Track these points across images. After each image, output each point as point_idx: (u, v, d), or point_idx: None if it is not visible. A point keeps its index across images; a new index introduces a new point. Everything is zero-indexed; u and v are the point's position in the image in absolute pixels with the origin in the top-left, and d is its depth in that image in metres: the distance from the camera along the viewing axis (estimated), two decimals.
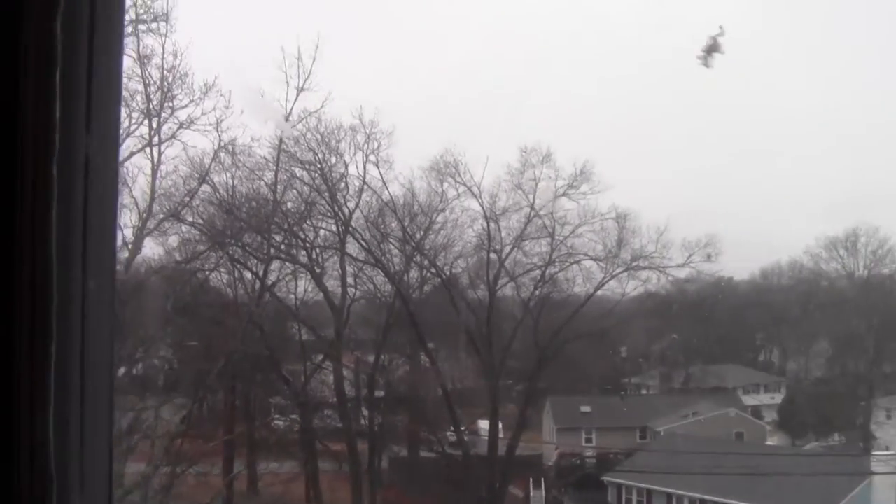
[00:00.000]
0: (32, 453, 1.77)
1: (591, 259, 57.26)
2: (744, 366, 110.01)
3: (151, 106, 35.29)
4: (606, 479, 61.30)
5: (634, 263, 56.41)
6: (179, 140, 37.09)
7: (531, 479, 63.29)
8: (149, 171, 35.81)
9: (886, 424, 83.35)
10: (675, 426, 70.41)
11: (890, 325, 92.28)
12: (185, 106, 36.34)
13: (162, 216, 38.23)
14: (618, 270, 56.88)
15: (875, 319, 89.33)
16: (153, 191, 35.98)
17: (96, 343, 1.93)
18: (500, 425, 58.24)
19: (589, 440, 74.20)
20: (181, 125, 36.42)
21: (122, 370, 36.48)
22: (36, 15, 1.79)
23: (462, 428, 57.91)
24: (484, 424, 61.06)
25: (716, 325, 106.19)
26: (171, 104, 35.93)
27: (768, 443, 74.09)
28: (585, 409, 76.08)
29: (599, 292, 59.45)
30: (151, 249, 40.67)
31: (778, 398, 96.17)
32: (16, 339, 1.75)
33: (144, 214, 35.74)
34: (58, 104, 1.78)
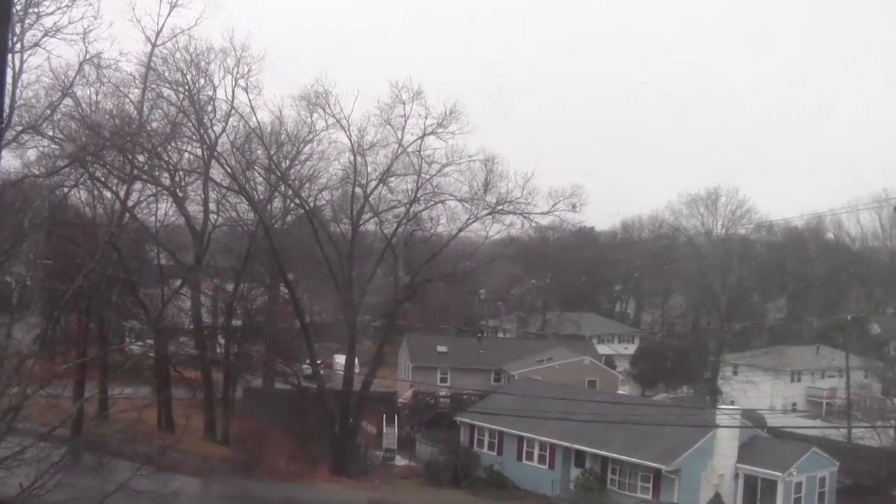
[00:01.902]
0: None
1: (457, 199, 57.15)
2: (600, 315, 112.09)
3: (15, 10, 33.80)
4: (459, 419, 61.68)
5: (499, 207, 56.39)
6: (43, 48, 35.72)
7: (384, 416, 63.47)
8: (9, 80, 34.38)
9: (732, 380, 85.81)
10: (530, 371, 71.17)
11: (743, 284, 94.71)
12: (52, 13, 34.96)
13: (21, 128, 36.81)
14: (482, 213, 56.85)
15: (730, 278, 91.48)
16: (13, 100, 34.61)
17: None
18: (357, 361, 58.14)
19: (444, 380, 74.60)
20: (46, 33, 35.05)
21: None
22: None
23: (318, 362, 57.59)
24: (340, 359, 60.94)
25: (575, 273, 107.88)
26: (36, 10, 34.49)
27: (620, 391, 75.44)
28: (442, 349, 76.45)
29: (463, 233, 59.54)
30: (8, 162, 39.37)
31: (631, 349, 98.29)
32: None
33: (3, 125, 34.38)
34: None
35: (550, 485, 54.27)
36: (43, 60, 37.23)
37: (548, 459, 56.03)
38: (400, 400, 70.96)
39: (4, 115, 34.48)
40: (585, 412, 51.66)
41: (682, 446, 50.42)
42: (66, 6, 35.13)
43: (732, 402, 70.64)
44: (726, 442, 49.71)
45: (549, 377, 67.47)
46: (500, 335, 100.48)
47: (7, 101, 34.52)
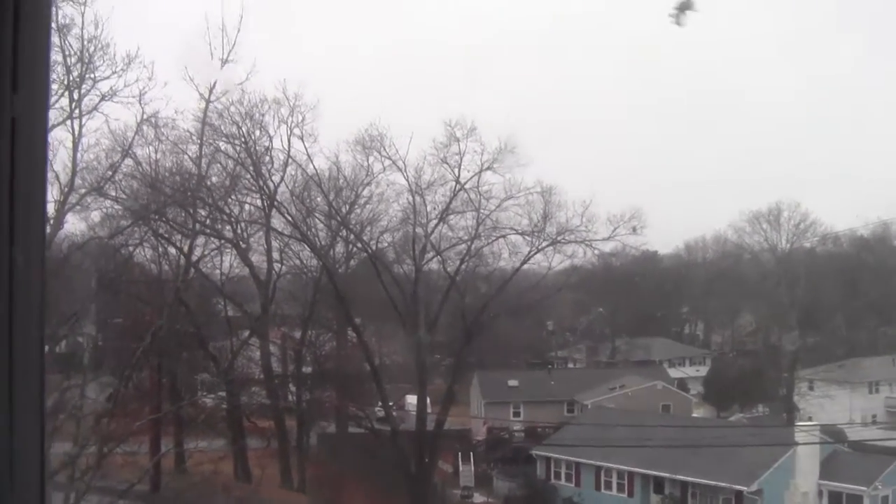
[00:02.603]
0: None
1: (517, 233, 57.30)
2: (669, 339, 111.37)
3: (72, 78, 34.66)
4: (535, 452, 61.66)
5: (560, 237, 56.49)
6: (101, 112, 36.47)
7: (460, 454, 63.54)
8: (70, 145, 35.21)
9: (809, 395, 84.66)
10: (603, 399, 71.01)
11: (811, 298, 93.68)
12: (107, 77, 35.71)
13: (84, 190, 37.59)
14: (543, 244, 56.95)
15: (797, 292, 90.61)
16: (74, 164, 35.35)
17: (25, 319, 1.79)
18: (428, 400, 58.31)
19: (517, 414, 74.61)
20: (103, 97, 35.79)
21: (45, 348, 35.85)
22: None
23: (390, 403, 57.89)
24: (412, 399, 61.14)
25: (641, 298, 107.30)
26: (92, 76, 35.29)
27: (694, 415, 74.98)
28: (513, 383, 76.47)
29: (525, 266, 59.60)
30: (74, 225, 40.16)
31: (703, 371, 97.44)
32: None
33: (66, 189, 35.15)
34: None
35: None
36: (101, 124, 38.02)
37: (626, 487, 55.84)
38: (476, 438, 70.99)
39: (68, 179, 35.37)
40: (661, 437, 51.49)
41: (761, 466, 50.03)
42: (121, 70, 35.89)
43: (810, 418, 69.86)
44: (807, 459, 49.16)
45: (621, 404, 67.28)
46: (571, 365, 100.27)
47: (69, 165, 35.36)
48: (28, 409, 1.84)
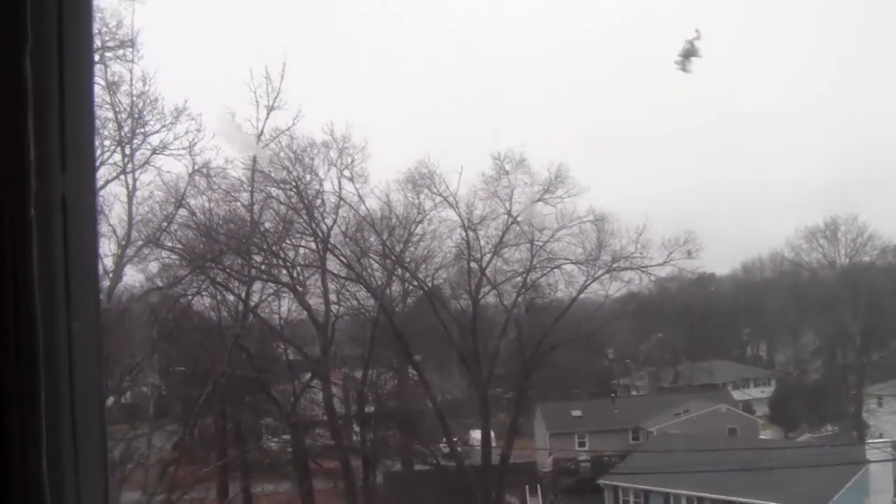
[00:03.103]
0: (27, 491, 1.76)
1: (572, 263, 57.36)
2: (732, 361, 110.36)
3: (123, 133, 35.24)
4: (602, 482, 61.30)
5: (615, 265, 56.49)
6: (153, 166, 37.02)
7: (527, 487, 63.33)
8: (125, 199, 35.77)
9: (878, 412, 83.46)
10: (668, 425, 70.54)
11: (875, 312, 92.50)
12: (157, 131, 36.30)
13: (140, 243, 38.15)
14: (599, 273, 56.97)
15: (860, 307, 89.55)
16: (130, 218, 35.89)
17: (85, 380, 1.91)
18: (493, 434, 58.28)
19: (582, 444, 74.29)
20: (154, 151, 36.37)
21: (110, 400, 36.40)
22: (4, 51, 1.76)
23: (454, 439, 57.92)
24: (476, 434, 61.12)
25: (701, 321, 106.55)
26: (142, 130, 35.89)
27: (762, 437, 74.27)
28: (576, 413, 76.18)
29: (582, 295, 59.54)
30: (132, 277, 40.60)
31: (768, 391, 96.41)
32: (5, 384, 1.73)
33: (123, 242, 35.68)
34: (31, 145, 1.75)
35: None
36: (154, 176, 38.54)
37: None
38: (542, 469, 70.71)
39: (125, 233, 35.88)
40: (729, 461, 51.02)
41: (833, 486, 49.37)
42: (170, 123, 36.46)
43: (881, 435, 68.95)
44: (881, 477, 48.57)
45: (686, 430, 66.80)
46: (633, 393, 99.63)
47: (125, 219, 35.88)
48: (91, 464, 1.95)
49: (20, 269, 1.73)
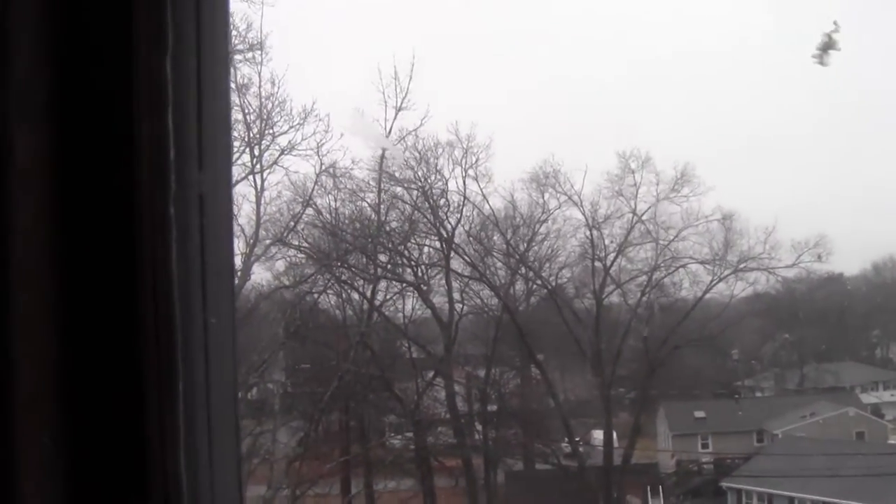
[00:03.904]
0: (166, 489, 1.80)
1: (698, 262, 56.91)
2: (861, 363, 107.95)
3: (252, 134, 35.90)
4: (725, 484, 60.52)
5: (742, 265, 55.94)
6: (281, 166, 37.61)
7: (648, 488, 62.75)
8: (253, 199, 36.42)
9: None
10: (793, 428, 69.29)
11: None
12: (285, 132, 36.91)
13: (268, 242, 38.80)
14: (726, 273, 56.47)
15: None
16: (258, 217, 36.52)
17: (220, 377, 1.95)
18: (615, 434, 57.94)
19: (705, 446, 73.38)
20: (282, 151, 36.97)
21: (238, 395, 37.02)
22: (145, 56, 1.81)
23: (576, 439, 57.69)
24: (598, 434, 60.79)
25: (829, 322, 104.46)
26: (271, 131, 36.52)
27: (891, 441, 72.50)
28: (700, 414, 75.28)
29: (707, 295, 59.00)
30: (260, 275, 41.30)
31: None
32: (145, 381, 1.78)
33: (251, 241, 36.31)
34: (171, 145, 1.80)
35: None
36: (282, 177, 39.16)
37: None
38: (665, 471, 70.06)
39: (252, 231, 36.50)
40: (857, 466, 50.05)
41: None
42: (298, 124, 37.03)
43: None
44: None
45: (812, 433, 65.52)
46: (758, 394, 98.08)
47: (253, 218, 36.51)
48: (226, 463, 1.99)
49: (159, 267, 1.78)
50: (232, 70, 33.46)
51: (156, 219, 1.79)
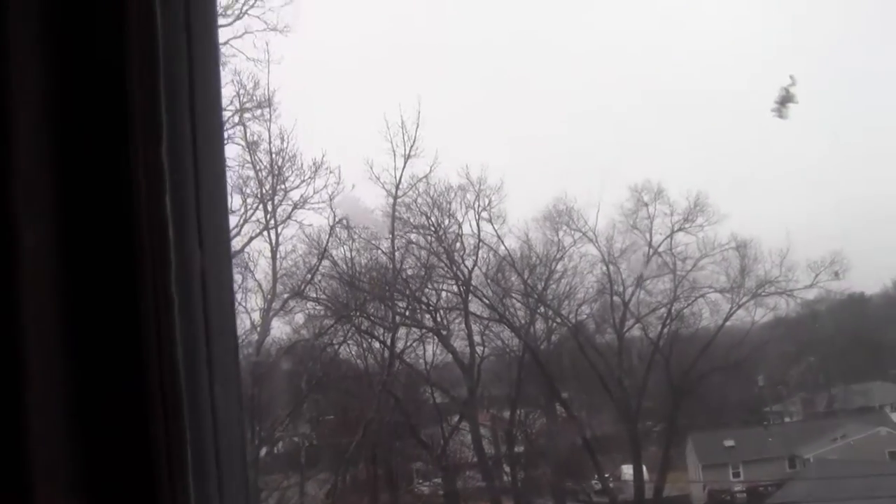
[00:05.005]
0: None
1: (716, 291, 56.95)
2: (889, 382, 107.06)
3: (264, 190, 36.25)
4: None
5: (760, 291, 56.07)
6: (295, 220, 37.92)
7: None
8: (268, 254, 36.71)
9: None
10: (825, 451, 68.81)
11: None
12: (297, 186, 37.28)
13: (286, 295, 39.03)
14: (744, 300, 56.53)
15: None
16: (275, 272, 36.88)
17: (229, 443, 2.06)
18: (644, 468, 57.72)
19: (737, 474, 72.80)
20: (295, 206, 37.32)
21: (263, 450, 37.18)
22: (142, 147, 1.93)
23: (606, 475, 57.46)
24: (627, 469, 60.52)
25: (853, 343, 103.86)
26: (283, 186, 36.93)
27: None
28: (729, 443, 74.76)
29: (728, 323, 59.01)
30: (279, 329, 41.46)
31: None
32: (155, 453, 1.88)
33: (269, 296, 36.57)
34: (170, 228, 1.92)
35: None
36: (296, 231, 39.45)
37: None
38: (697, 503, 69.60)
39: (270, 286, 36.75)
40: (893, 486, 49.71)
41: None
42: (309, 178, 37.34)
43: None
44: None
45: (844, 455, 65.02)
46: (787, 419, 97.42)
47: (270, 273, 36.77)
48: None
49: (164, 340, 1.90)
50: (242, 128, 33.92)
51: (159, 298, 1.91)
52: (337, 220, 41.54)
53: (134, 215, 1.91)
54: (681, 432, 70.10)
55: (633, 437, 56.85)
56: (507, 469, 60.05)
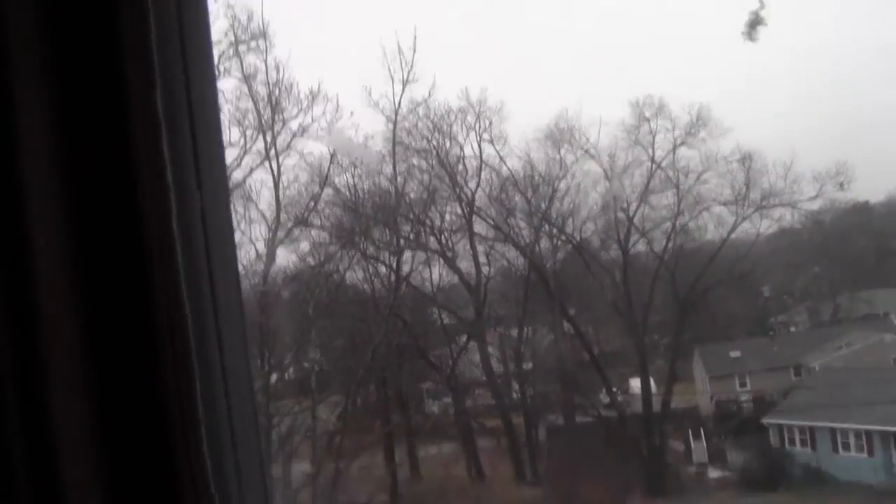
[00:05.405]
0: (193, 476, 1.95)
1: (721, 204, 56.91)
2: (894, 288, 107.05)
3: (263, 121, 36.17)
4: (766, 421, 60.50)
5: (765, 203, 56.02)
6: (295, 150, 37.92)
7: (690, 431, 62.85)
8: (271, 185, 36.74)
9: None
10: (830, 360, 69.11)
11: None
12: (296, 116, 37.17)
13: (290, 224, 39.05)
14: (749, 212, 56.52)
15: None
16: (278, 201, 36.89)
17: (236, 379, 2.10)
18: (652, 381, 58.12)
19: (743, 385, 73.17)
20: (294, 135, 37.25)
21: (274, 376, 37.50)
22: (136, 94, 1.96)
23: (614, 389, 57.91)
24: (635, 383, 60.93)
25: (857, 252, 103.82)
26: (281, 116, 36.79)
27: None
28: (735, 354, 75.05)
29: (733, 236, 59.03)
30: (285, 258, 41.56)
31: None
32: (166, 393, 1.93)
33: (273, 226, 36.62)
34: (168, 169, 1.95)
35: (872, 473, 52.50)
36: (297, 160, 39.42)
37: (865, 447, 54.26)
38: (705, 413, 70.08)
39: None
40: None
41: None
42: (307, 107, 37.27)
43: None
44: None
45: (849, 363, 65.31)
46: (792, 329, 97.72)
47: (273, 203, 36.84)
48: (248, 444, 2.15)
49: (169, 282, 1.94)
50: (238, 61, 33.84)
51: (162, 240, 1.95)
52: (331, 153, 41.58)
53: (133, 160, 1.94)
54: (687, 345, 70.46)
55: (641, 351, 57.23)
56: (517, 386, 60.50)
